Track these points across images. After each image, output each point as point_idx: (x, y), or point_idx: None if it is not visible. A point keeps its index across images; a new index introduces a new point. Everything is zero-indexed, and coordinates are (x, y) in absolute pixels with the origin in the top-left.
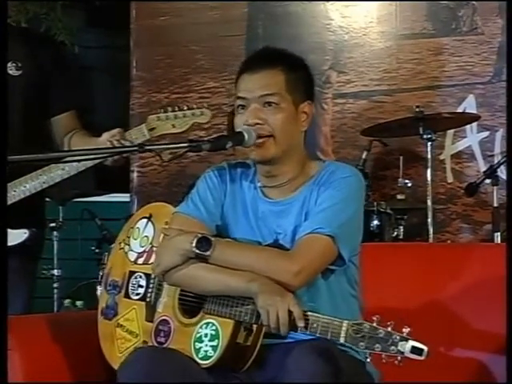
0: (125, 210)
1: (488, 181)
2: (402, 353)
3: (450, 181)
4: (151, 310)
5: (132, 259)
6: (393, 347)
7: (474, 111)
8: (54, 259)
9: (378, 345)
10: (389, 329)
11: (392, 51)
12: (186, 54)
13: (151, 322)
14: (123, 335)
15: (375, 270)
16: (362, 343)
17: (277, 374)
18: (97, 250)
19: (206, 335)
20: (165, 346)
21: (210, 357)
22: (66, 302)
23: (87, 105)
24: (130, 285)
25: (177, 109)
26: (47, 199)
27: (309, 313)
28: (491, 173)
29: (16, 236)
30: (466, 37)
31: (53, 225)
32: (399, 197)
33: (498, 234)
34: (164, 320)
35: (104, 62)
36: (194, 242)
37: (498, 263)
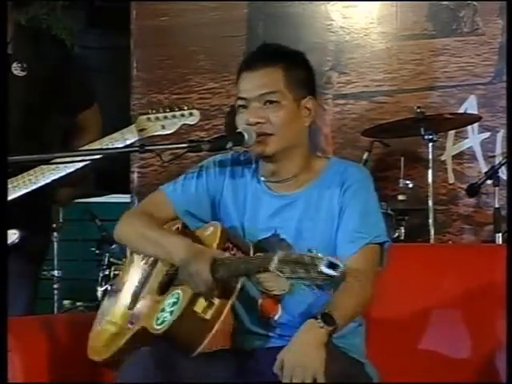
0: (125, 211)
1: (489, 181)
2: (322, 272)
3: (451, 181)
4: (134, 298)
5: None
6: (314, 268)
7: (475, 112)
8: (54, 260)
9: (301, 270)
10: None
11: (393, 52)
12: (187, 55)
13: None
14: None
15: None
16: (286, 268)
17: (276, 375)
18: (97, 251)
19: (168, 304)
20: (134, 324)
21: (165, 321)
22: (66, 302)
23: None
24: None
25: (168, 110)
26: None
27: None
28: (492, 173)
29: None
30: (467, 37)
31: (53, 226)
32: (400, 198)
33: (500, 234)
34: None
35: (104, 63)
36: None
37: (499, 264)
